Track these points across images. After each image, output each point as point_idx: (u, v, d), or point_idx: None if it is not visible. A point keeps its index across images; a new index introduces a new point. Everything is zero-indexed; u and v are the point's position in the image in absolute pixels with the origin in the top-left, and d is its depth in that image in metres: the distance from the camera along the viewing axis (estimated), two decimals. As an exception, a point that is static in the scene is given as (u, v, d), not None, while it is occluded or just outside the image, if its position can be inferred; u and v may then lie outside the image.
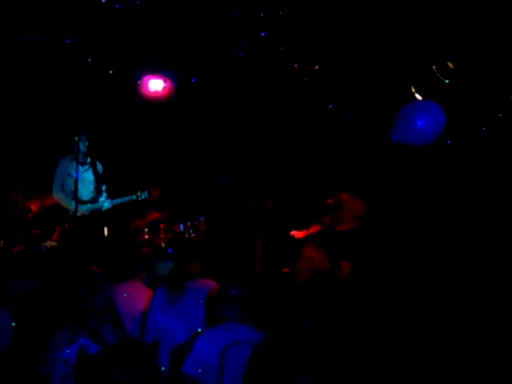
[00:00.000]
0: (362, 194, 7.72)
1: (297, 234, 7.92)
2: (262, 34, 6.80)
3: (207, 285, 4.80)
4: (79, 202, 7.15)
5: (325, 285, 3.95)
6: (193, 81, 7.73)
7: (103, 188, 7.53)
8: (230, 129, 8.72)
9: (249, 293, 3.94)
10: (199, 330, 4.01)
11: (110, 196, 7.54)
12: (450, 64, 6.60)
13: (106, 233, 7.55)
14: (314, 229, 7.79)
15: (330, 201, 7.83)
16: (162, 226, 8.16)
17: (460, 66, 6.57)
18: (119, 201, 7.52)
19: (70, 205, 7.20)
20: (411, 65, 6.80)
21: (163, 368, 4.23)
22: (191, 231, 8.12)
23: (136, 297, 5.12)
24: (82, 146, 7.26)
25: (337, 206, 7.70)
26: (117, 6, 6.42)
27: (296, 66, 7.28)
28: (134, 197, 7.53)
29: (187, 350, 3.67)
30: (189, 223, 8.22)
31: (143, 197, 7.52)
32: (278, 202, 8.56)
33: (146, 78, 7.66)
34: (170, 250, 7.30)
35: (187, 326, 4.56)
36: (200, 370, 3.52)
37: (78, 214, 7.11)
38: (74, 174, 7.08)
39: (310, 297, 3.90)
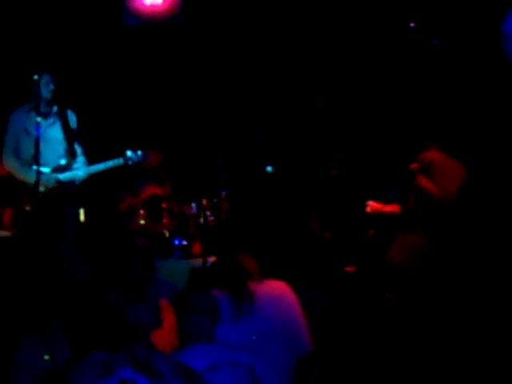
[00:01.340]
0: (462, 154, 5.71)
1: (376, 206, 5.83)
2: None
3: (280, 288, 4.16)
4: (42, 171, 5.40)
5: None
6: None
7: (78, 150, 5.68)
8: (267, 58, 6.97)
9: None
10: None
11: (88, 161, 5.71)
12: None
13: (82, 216, 5.85)
14: (391, 208, 5.74)
15: (414, 165, 5.71)
16: (164, 205, 6.30)
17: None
18: (99, 167, 5.63)
19: (29, 176, 5.47)
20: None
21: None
22: (208, 213, 6.14)
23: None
24: (45, 90, 5.53)
25: (425, 170, 5.65)
26: None
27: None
28: (122, 160, 5.58)
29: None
30: (205, 201, 6.24)
31: (135, 160, 5.57)
32: (345, 168, 6.52)
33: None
34: (176, 242, 6.14)
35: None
36: None
37: (41, 188, 5.36)
38: (34, 131, 5.33)
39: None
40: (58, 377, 2.98)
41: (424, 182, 5.61)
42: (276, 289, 4.24)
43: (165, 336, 3.94)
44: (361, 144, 6.83)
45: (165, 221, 6.26)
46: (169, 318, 4.03)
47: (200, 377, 2.98)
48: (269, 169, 6.10)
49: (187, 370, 3.13)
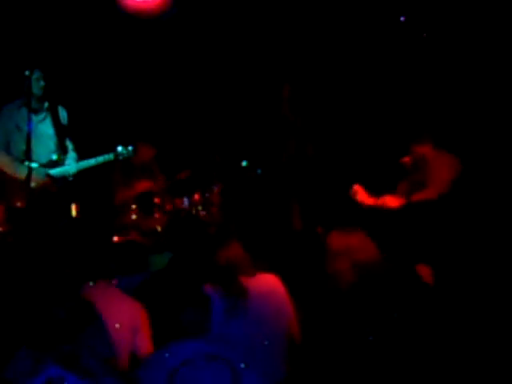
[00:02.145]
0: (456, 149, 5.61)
1: (366, 198, 5.70)
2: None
3: (271, 281, 4.13)
4: (34, 167, 5.30)
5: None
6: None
7: (68, 146, 5.62)
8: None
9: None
10: None
11: (79, 157, 5.66)
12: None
13: (73, 212, 5.76)
14: (386, 201, 5.64)
15: (406, 159, 5.62)
16: (156, 200, 6.26)
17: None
18: (90, 163, 5.56)
19: (19, 171, 5.38)
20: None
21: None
22: (200, 207, 6.09)
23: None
24: (36, 87, 5.46)
25: (416, 166, 5.54)
26: None
27: None
28: (112, 156, 5.55)
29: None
30: (197, 196, 6.22)
31: (125, 155, 5.54)
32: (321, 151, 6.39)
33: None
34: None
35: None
36: None
37: (32, 184, 5.26)
38: (25, 127, 5.28)
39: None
40: None
41: (417, 197, 5.46)
42: (267, 282, 4.17)
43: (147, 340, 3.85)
44: (334, 127, 6.69)
45: (157, 216, 6.22)
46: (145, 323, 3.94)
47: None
48: (243, 163, 6.03)
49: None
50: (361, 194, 5.65)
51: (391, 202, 5.50)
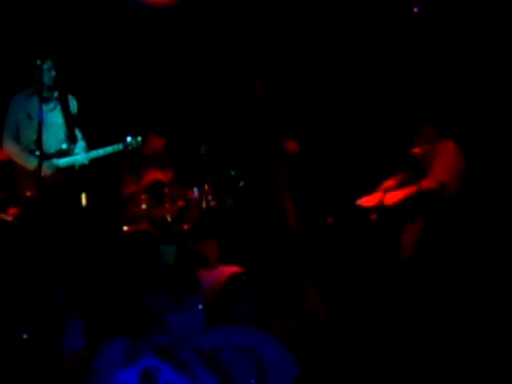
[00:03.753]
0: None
1: (367, 201, 5.62)
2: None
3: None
4: (44, 156, 5.12)
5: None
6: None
7: (78, 135, 5.54)
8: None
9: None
10: None
11: (88, 146, 5.55)
12: None
13: (83, 201, 5.58)
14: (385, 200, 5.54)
15: (417, 150, 5.52)
16: (166, 190, 6.15)
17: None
18: (99, 153, 5.44)
19: (30, 161, 5.28)
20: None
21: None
22: (210, 198, 6.00)
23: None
24: (47, 76, 5.34)
25: (425, 156, 5.44)
26: None
27: None
28: (121, 146, 5.43)
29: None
30: (207, 186, 6.12)
31: (135, 145, 5.43)
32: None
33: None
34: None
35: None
36: None
37: (43, 173, 5.08)
38: (36, 116, 5.18)
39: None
40: (79, 363, 2.91)
41: (427, 184, 5.38)
42: (224, 273, 4.04)
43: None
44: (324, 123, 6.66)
45: (167, 206, 6.13)
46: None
47: (222, 362, 2.87)
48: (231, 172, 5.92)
49: (210, 356, 3.04)
50: (364, 202, 5.64)
51: (389, 200, 5.47)
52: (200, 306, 3.61)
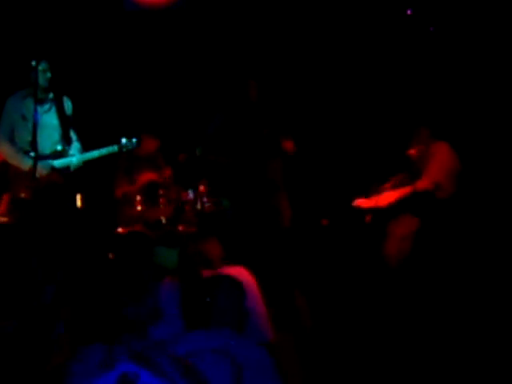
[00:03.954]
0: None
1: (363, 202, 5.65)
2: None
3: (239, 274, 3.90)
4: (39, 157, 5.10)
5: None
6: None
7: (73, 137, 5.53)
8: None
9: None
10: None
11: (83, 147, 5.52)
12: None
13: (78, 202, 5.56)
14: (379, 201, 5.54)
15: (412, 151, 5.54)
16: (161, 191, 6.13)
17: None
18: (94, 154, 5.42)
19: (24, 162, 5.27)
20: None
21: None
22: (205, 200, 5.97)
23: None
24: (42, 78, 5.34)
25: (421, 158, 5.46)
26: None
27: None
28: (116, 148, 5.42)
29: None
30: (202, 188, 6.12)
31: (129, 147, 5.41)
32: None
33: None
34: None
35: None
36: None
37: (37, 174, 5.11)
38: (31, 117, 5.15)
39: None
40: (56, 370, 2.90)
41: (421, 185, 5.42)
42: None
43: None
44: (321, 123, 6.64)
45: (161, 207, 6.10)
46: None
47: (199, 372, 2.81)
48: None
49: (185, 361, 3.02)
50: (360, 203, 5.65)
51: (383, 201, 5.48)
52: (177, 314, 3.56)
